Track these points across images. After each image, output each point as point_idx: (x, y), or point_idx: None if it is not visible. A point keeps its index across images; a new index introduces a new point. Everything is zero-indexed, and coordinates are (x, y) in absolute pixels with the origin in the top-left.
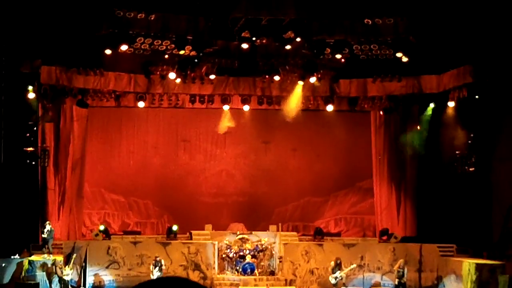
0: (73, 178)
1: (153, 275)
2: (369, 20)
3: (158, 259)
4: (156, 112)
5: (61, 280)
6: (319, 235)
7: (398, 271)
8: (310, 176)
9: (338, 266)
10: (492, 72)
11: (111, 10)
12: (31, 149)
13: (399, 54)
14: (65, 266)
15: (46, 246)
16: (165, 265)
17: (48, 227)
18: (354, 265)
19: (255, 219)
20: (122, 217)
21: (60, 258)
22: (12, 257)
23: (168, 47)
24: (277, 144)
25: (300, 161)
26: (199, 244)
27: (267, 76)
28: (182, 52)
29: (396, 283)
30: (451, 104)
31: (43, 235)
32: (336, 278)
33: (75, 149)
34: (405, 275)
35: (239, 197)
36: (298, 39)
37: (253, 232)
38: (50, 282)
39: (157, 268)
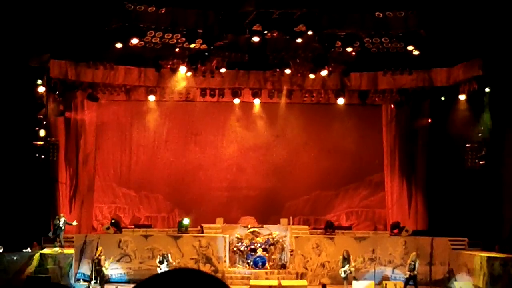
0: (84, 172)
1: (161, 270)
2: (379, 14)
3: (165, 254)
4: (167, 106)
5: (99, 271)
6: (330, 228)
7: (410, 264)
8: (321, 170)
9: (346, 260)
10: (501, 65)
11: (121, 3)
12: (40, 143)
13: (410, 48)
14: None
15: (58, 239)
16: (173, 259)
17: (63, 219)
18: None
19: (266, 213)
20: (133, 211)
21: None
22: (24, 250)
23: (179, 40)
24: (287, 138)
25: (311, 154)
26: (210, 238)
27: (277, 70)
28: (192, 45)
29: (407, 276)
30: (461, 97)
31: (60, 226)
32: (345, 271)
33: (86, 143)
34: (416, 269)
35: (250, 191)
36: (309, 33)
37: (264, 226)
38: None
39: (164, 264)
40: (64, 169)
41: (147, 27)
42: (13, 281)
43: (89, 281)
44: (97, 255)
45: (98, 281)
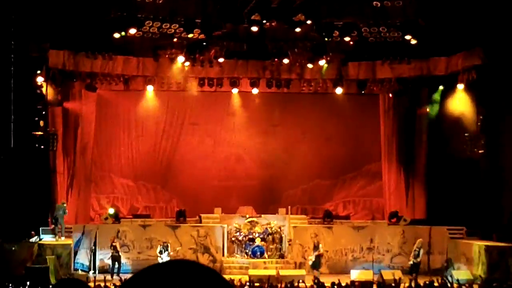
0: (81, 162)
1: (161, 259)
2: (377, 3)
3: (165, 244)
4: (165, 96)
5: (117, 257)
6: (328, 218)
7: (415, 251)
8: (319, 159)
9: (316, 248)
10: (501, 54)
11: None
12: (40, 133)
13: (408, 37)
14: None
15: (59, 226)
16: (172, 249)
17: (63, 207)
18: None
19: (264, 202)
20: (131, 201)
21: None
22: (22, 240)
23: (177, 30)
24: (286, 127)
25: (309, 144)
26: (209, 228)
27: (276, 59)
28: (190, 35)
29: (412, 263)
30: (460, 86)
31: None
32: (311, 259)
33: (83, 133)
34: (420, 256)
35: (248, 181)
36: (308, 22)
37: (262, 215)
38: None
39: (165, 253)
40: (62, 159)
41: (145, 17)
42: (12, 272)
43: (87, 271)
44: (111, 242)
45: (116, 270)
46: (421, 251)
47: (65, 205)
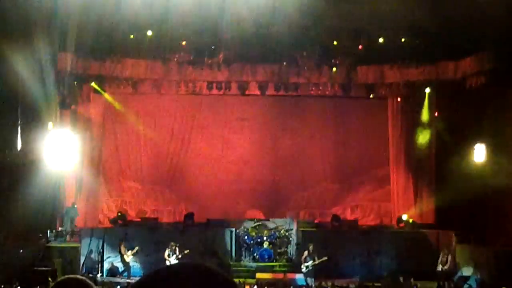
0: (90, 165)
1: (170, 262)
2: (386, 7)
3: (173, 247)
4: (173, 99)
5: (123, 259)
6: (336, 222)
7: (443, 257)
8: (327, 163)
9: (311, 255)
10: (510, 59)
11: None
12: None
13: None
14: (127, 251)
15: (70, 226)
16: (181, 252)
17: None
18: (325, 258)
19: (272, 206)
20: (139, 205)
21: None
22: (30, 243)
23: (185, 33)
24: (293, 131)
25: (317, 148)
26: (216, 231)
27: (284, 63)
28: (199, 38)
29: (440, 270)
30: (469, 90)
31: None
32: (307, 267)
33: (92, 136)
34: (449, 263)
35: (256, 184)
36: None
37: (270, 219)
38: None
39: (173, 256)
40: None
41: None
42: (19, 274)
43: (95, 274)
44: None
45: (125, 273)
46: (449, 258)
47: (75, 206)
